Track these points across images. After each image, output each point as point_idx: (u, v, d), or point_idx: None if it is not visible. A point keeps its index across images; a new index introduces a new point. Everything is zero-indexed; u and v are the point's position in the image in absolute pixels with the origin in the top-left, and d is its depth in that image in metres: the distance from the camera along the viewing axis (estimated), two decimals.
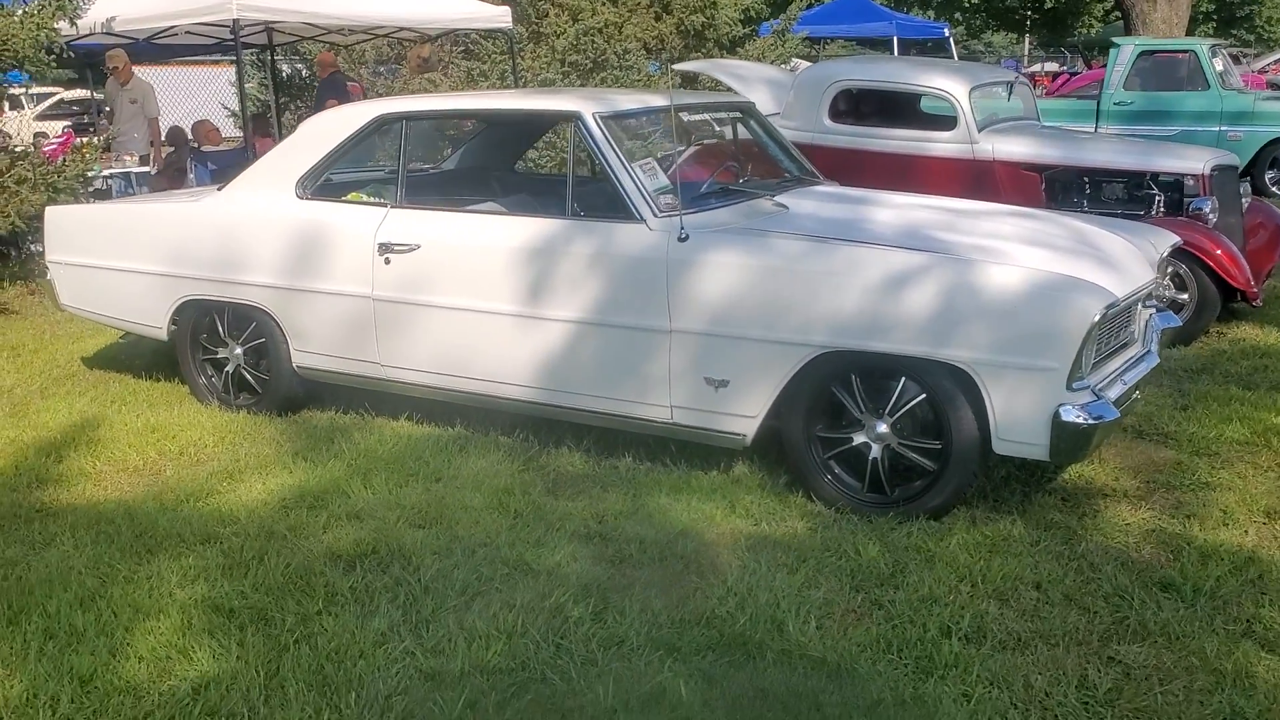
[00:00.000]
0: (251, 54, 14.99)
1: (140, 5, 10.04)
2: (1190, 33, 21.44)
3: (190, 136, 12.62)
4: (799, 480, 4.64)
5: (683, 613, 3.70)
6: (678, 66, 10.78)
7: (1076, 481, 4.84)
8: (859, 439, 4.46)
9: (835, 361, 4.41)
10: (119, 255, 6.01)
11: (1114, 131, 12.54)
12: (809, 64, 12.13)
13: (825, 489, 4.54)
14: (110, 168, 10.90)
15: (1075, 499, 4.65)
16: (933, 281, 4.23)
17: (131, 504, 4.69)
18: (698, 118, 5.64)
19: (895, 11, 25.22)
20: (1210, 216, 7.18)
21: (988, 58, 45.12)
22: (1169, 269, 6.95)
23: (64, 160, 9.36)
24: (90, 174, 9.78)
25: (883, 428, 4.41)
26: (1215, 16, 35.67)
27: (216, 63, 18.26)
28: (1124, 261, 4.68)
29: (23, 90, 9.94)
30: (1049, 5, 34.27)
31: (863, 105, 8.52)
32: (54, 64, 9.20)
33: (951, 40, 24.97)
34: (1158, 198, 7.46)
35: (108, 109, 12.01)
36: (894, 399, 4.37)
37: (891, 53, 21.84)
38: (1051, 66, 35.02)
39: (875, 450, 4.43)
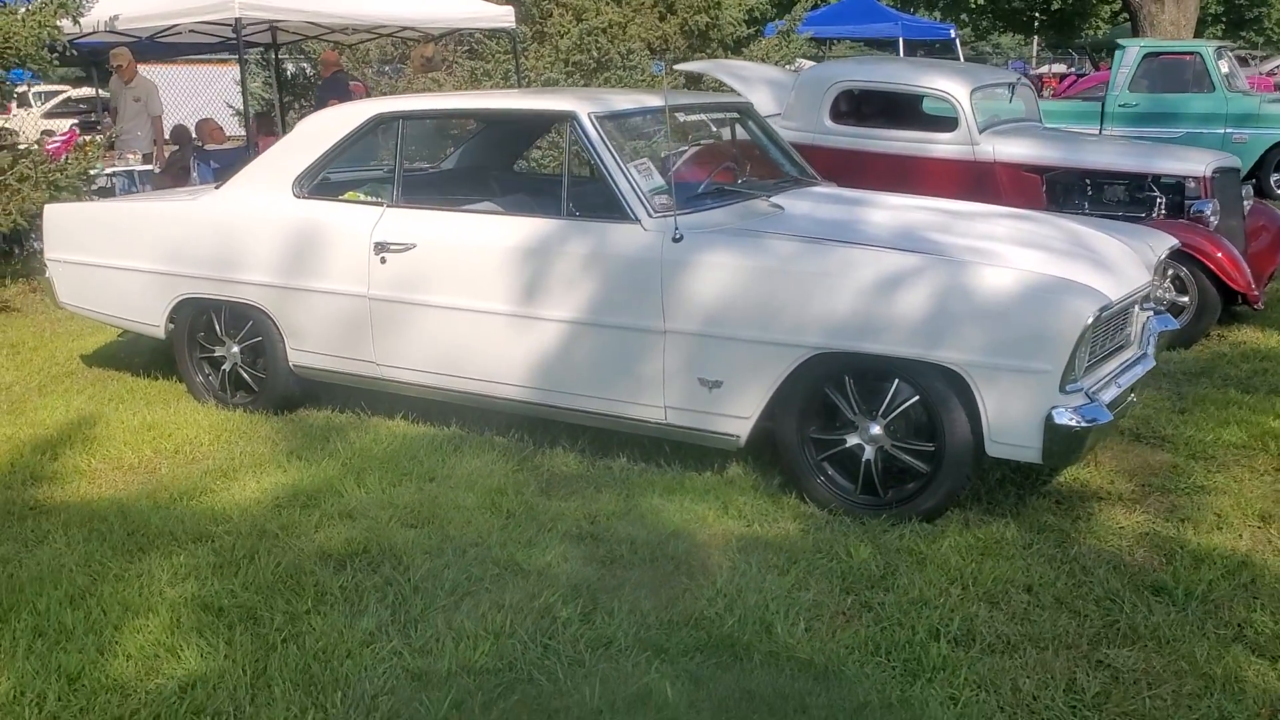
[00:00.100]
0: (256, 53, 15.02)
1: (143, 4, 10.05)
2: (1199, 34, 21.38)
3: (194, 135, 12.63)
4: (792, 482, 4.64)
5: (671, 614, 3.70)
6: (680, 67, 10.77)
7: (1071, 484, 4.82)
8: (852, 440, 4.45)
9: (829, 363, 4.40)
10: (117, 253, 6.02)
11: (1119, 133, 12.50)
12: (814, 64, 12.13)
13: (818, 490, 4.53)
14: (113, 166, 10.92)
15: (1069, 502, 4.64)
16: (926, 283, 4.22)
17: (125, 502, 4.69)
18: (694, 118, 5.62)
19: (901, 13, 25.19)
20: (1211, 219, 7.17)
21: (995, 59, 45.07)
22: (1169, 271, 6.95)
23: (67, 158, 9.38)
24: (93, 172, 9.79)
25: (876, 429, 4.40)
26: (1224, 18, 35.59)
27: (223, 61, 18.29)
28: (1119, 264, 4.66)
29: (24, 87, 9.92)
30: (1055, 7, 34.20)
31: (864, 106, 8.50)
32: (57, 62, 9.20)
33: (958, 41, 24.94)
34: (1159, 200, 7.44)
35: (112, 107, 12.02)
36: (887, 400, 4.36)
37: (897, 54, 21.81)
38: (1059, 68, 34.97)
39: (868, 452, 4.42)
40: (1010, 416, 4.12)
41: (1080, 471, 4.92)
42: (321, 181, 5.62)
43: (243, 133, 13.00)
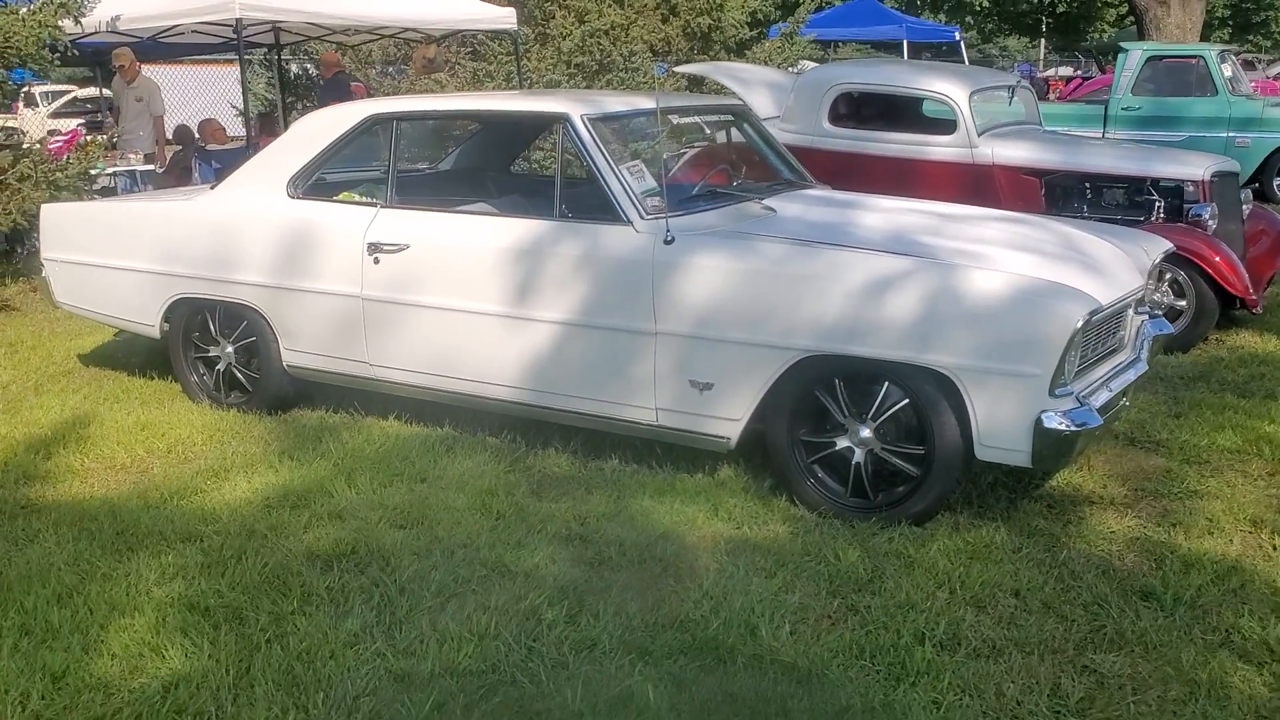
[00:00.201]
0: (260, 54, 15.04)
1: (144, 4, 10.07)
2: (1205, 38, 21.36)
3: (197, 135, 12.65)
4: (783, 484, 4.63)
5: (657, 616, 3.69)
6: (679, 69, 10.77)
7: (1063, 488, 4.81)
8: (842, 443, 4.45)
9: (818, 365, 4.40)
10: (113, 253, 6.03)
11: (1121, 137, 12.47)
12: (816, 66, 12.10)
13: (808, 493, 4.52)
14: (115, 166, 10.94)
15: (1061, 506, 4.62)
16: (915, 286, 4.21)
17: (116, 501, 4.70)
18: (688, 120, 5.62)
19: (906, 15, 25.17)
20: (1210, 223, 7.15)
21: (1002, 62, 45.02)
22: (1166, 275, 6.94)
23: (68, 158, 9.40)
24: (94, 172, 9.81)
25: (866, 432, 4.39)
26: (1231, 22, 35.53)
27: (228, 62, 18.30)
28: (1111, 267, 4.65)
29: (30, 87, 9.95)
30: (1061, 10, 34.16)
31: (863, 109, 8.49)
32: (58, 62, 9.22)
33: (963, 44, 24.91)
34: (1158, 203, 7.42)
35: (115, 107, 12.04)
36: (877, 404, 4.35)
37: (902, 56, 21.79)
38: (1066, 71, 34.94)
39: (858, 455, 4.41)
40: (1000, 420, 4.11)
41: (1073, 475, 4.91)
42: (316, 182, 5.63)
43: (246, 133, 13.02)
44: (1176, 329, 6.98)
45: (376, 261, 5.21)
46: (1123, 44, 14.16)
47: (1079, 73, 31.79)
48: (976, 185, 7.65)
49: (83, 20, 9.38)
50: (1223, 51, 13.50)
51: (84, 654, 3.49)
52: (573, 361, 4.88)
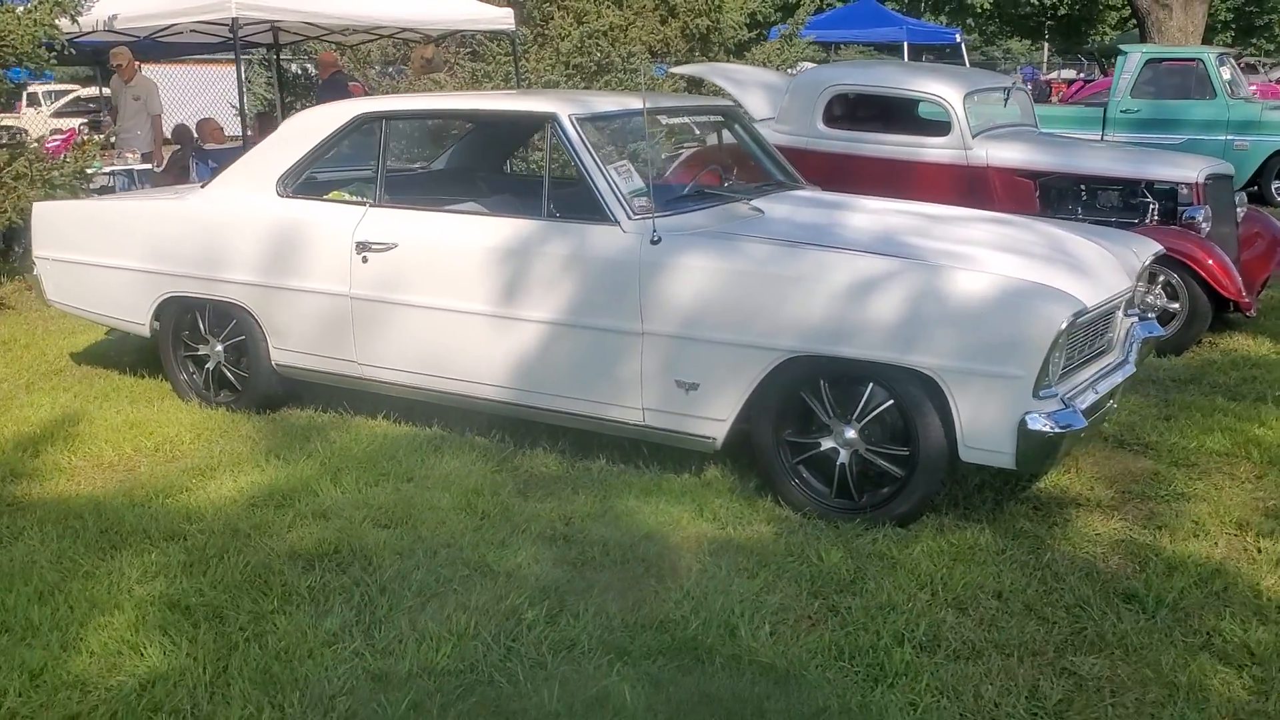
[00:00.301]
0: (259, 53, 15.05)
1: (141, 3, 10.08)
2: (1208, 41, 21.33)
3: (195, 134, 12.66)
4: (768, 485, 4.62)
5: (637, 616, 3.68)
6: (675, 70, 10.77)
7: (1050, 490, 4.80)
8: (827, 444, 4.44)
9: (803, 366, 4.39)
10: (103, 251, 6.03)
11: (1120, 139, 12.46)
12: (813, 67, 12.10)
13: (793, 494, 4.52)
14: (113, 165, 10.95)
15: (1047, 508, 4.61)
16: (900, 287, 4.21)
17: (101, 500, 4.70)
18: (677, 121, 5.61)
19: (907, 17, 25.15)
20: (1203, 225, 7.13)
21: (1005, 65, 44.98)
22: (1160, 278, 6.94)
23: (65, 157, 9.42)
24: (90, 170, 9.82)
25: (851, 433, 4.38)
26: (1234, 25, 35.48)
27: (229, 61, 18.31)
28: (1098, 269, 4.64)
29: (28, 86, 9.96)
30: (1062, 12, 34.13)
31: (858, 110, 8.48)
32: (54, 60, 9.23)
33: (964, 46, 24.89)
34: (1151, 206, 7.41)
35: (113, 106, 12.06)
36: (862, 404, 4.34)
37: (902, 58, 21.77)
38: (1068, 74, 34.91)
39: (843, 456, 4.41)
40: (983, 422, 4.10)
41: (1060, 477, 4.90)
42: (306, 181, 5.63)
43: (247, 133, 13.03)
44: (1169, 332, 6.97)
45: (365, 261, 5.21)
46: (1122, 46, 14.15)
47: (1081, 75, 31.77)
48: (971, 187, 7.64)
49: (80, 19, 9.39)
50: (1221, 54, 13.47)
51: (62, 652, 3.49)
52: (560, 361, 4.87)
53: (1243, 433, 5.42)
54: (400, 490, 4.75)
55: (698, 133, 5.99)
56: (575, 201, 4.95)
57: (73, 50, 9.90)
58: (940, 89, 7.84)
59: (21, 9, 8.73)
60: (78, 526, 4.41)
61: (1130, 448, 5.32)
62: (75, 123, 23.40)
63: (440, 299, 5.06)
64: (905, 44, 22.15)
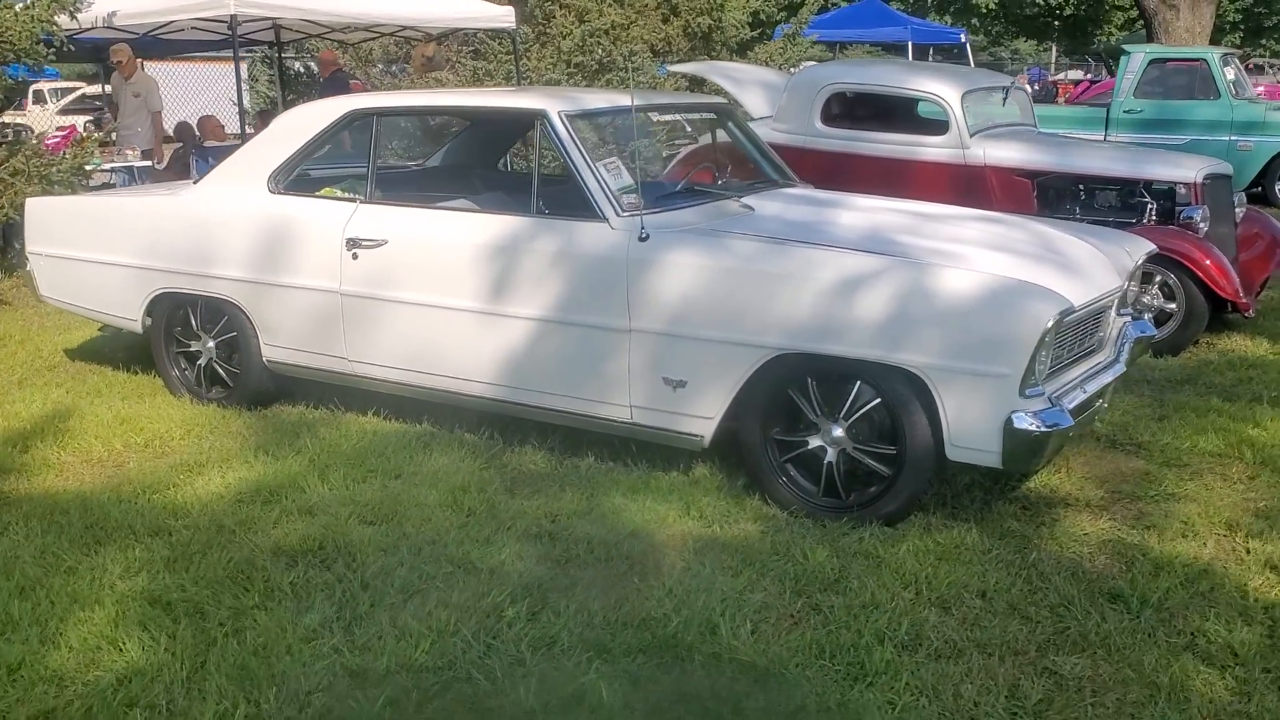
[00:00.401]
0: (260, 51, 15.07)
1: (141, 0, 10.08)
2: (1216, 42, 21.22)
3: (197, 132, 12.67)
4: (755, 483, 4.61)
5: (619, 614, 3.67)
6: (673, 68, 10.75)
7: (1040, 490, 4.78)
8: (814, 443, 4.42)
9: (791, 364, 4.37)
10: (96, 247, 6.03)
11: (1123, 139, 12.41)
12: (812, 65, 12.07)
13: (781, 492, 4.50)
14: (112, 162, 10.96)
15: (1035, 508, 4.59)
16: (887, 285, 4.19)
17: (88, 495, 4.69)
18: (669, 118, 5.60)
19: (912, 17, 25.10)
20: (1201, 225, 7.10)
21: (1014, 65, 44.87)
22: (1157, 278, 6.91)
23: (64, 154, 9.43)
24: (89, 167, 9.83)
25: (838, 432, 4.36)
26: (1242, 26, 35.37)
27: (243, 59, 18.32)
28: (1088, 268, 4.62)
29: (18, 82, 9.96)
30: (1068, 12, 34.05)
31: (856, 109, 8.45)
32: (53, 57, 9.24)
33: (969, 46, 24.84)
34: (1150, 206, 7.37)
35: (113, 103, 12.07)
36: (849, 403, 4.32)
37: (907, 58, 21.72)
38: (1076, 74, 34.83)
39: (830, 454, 4.39)
40: (970, 420, 4.08)
41: (1050, 477, 4.88)
42: (298, 177, 5.63)
43: (248, 130, 13.03)
44: (1166, 332, 6.95)
45: (355, 257, 5.20)
46: (1125, 46, 14.11)
47: (1088, 76, 31.70)
48: (969, 186, 7.61)
49: (79, 16, 9.41)
50: (1225, 55, 13.42)
51: (41, 646, 3.48)
52: (548, 358, 4.86)
53: (1236, 433, 5.39)
54: (388, 487, 4.74)
55: (689, 130, 5.95)
56: (564, 198, 4.94)
57: (72, 47, 9.91)
58: (938, 88, 7.81)
59: (20, 5, 8.74)
60: (63, 522, 4.40)
61: (1122, 448, 5.30)
62: (82, 120, 23.47)
63: (429, 295, 5.05)
64: (910, 44, 22.11)
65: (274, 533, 4.30)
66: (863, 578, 3.91)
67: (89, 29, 10.16)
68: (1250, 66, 27.56)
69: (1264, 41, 36.88)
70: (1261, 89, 20.02)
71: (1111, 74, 28.32)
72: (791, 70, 13.17)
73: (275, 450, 5.16)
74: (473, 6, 11.60)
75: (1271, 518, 4.46)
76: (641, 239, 4.57)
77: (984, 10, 33.50)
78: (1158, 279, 6.96)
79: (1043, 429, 4.02)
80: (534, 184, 5.02)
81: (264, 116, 12.97)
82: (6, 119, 12.43)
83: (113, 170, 11.01)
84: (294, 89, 14.12)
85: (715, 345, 4.46)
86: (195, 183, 6.04)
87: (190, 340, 5.90)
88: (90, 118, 21.31)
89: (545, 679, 3.29)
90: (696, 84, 11.98)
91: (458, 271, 4.97)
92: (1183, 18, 17.65)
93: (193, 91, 17.52)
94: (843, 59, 23.42)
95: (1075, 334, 4.44)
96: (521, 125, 6.49)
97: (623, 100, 5.30)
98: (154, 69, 12.90)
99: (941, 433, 4.14)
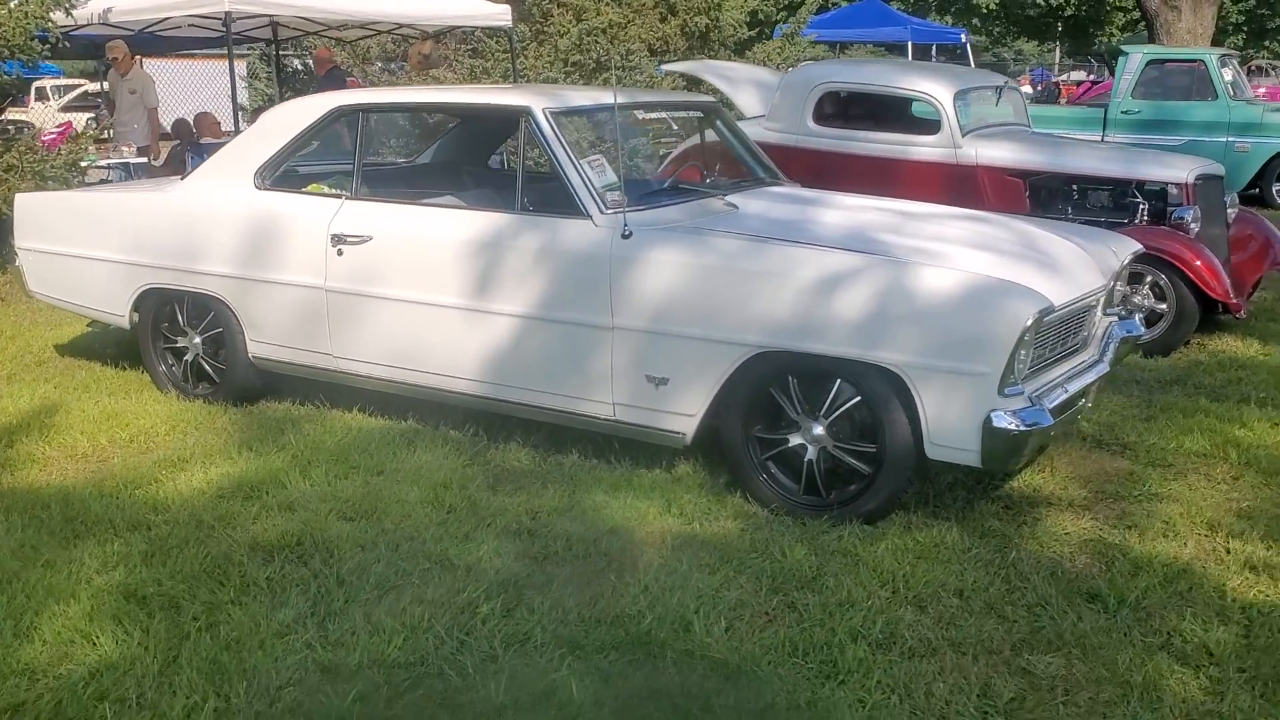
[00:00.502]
0: (259, 49, 15.07)
1: None
2: (1219, 44, 21.19)
3: (194, 129, 12.67)
4: (737, 481, 4.60)
5: (593, 611, 3.66)
6: (667, 67, 10.75)
7: (1023, 489, 4.77)
8: (795, 440, 4.41)
9: (772, 362, 4.37)
10: (84, 243, 6.03)
11: (1120, 140, 12.39)
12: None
13: (761, 490, 4.49)
14: (109, 158, 10.97)
15: (1018, 507, 4.58)
16: (866, 283, 4.18)
17: (70, 490, 4.69)
18: (655, 116, 5.59)
19: (912, 17, 25.07)
20: (1192, 226, 7.09)
21: (1017, 66, 44.81)
22: (1147, 278, 6.90)
23: (59, 150, 9.43)
24: (84, 164, 9.84)
25: (819, 430, 4.36)
26: (1245, 28, 35.31)
27: (240, 56, 18.32)
28: (1071, 267, 4.61)
29: (14, 78, 9.97)
30: (1069, 13, 34.00)
31: (849, 108, 8.44)
32: (48, 53, 9.24)
33: (969, 46, 24.80)
34: (1141, 206, 7.36)
35: (109, 100, 12.08)
36: (829, 401, 4.31)
37: (907, 58, 21.68)
38: (1079, 75, 34.79)
39: (811, 452, 4.38)
40: (949, 419, 4.08)
41: (1033, 476, 4.87)
42: (285, 173, 5.62)
43: (246, 126, 13.02)
44: (1157, 332, 6.94)
45: (340, 253, 5.19)
46: (1123, 47, 14.09)
47: (1091, 77, 31.67)
48: (960, 186, 7.60)
49: (74, 12, 9.42)
50: (1223, 56, 13.41)
51: (14, 640, 3.48)
52: (532, 355, 4.86)
53: (1222, 433, 5.38)
54: (369, 483, 4.74)
55: (675, 128, 5.95)
56: (549, 195, 4.94)
57: (67, 44, 9.90)
58: (930, 87, 7.80)
59: (15, 2, 8.75)
60: (44, 516, 4.40)
61: (1108, 447, 5.28)
62: (84, 117, 23.52)
63: (414, 292, 5.05)
64: (910, 44, 22.08)
65: (253, 528, 4.29)
66: (840, 576, 3.91)
67: (85, 25, 10.17)
68: (1254, 69, 27.52)
69: (1267, 43, 36.80)
70: (1263, 91, 20.01)
71: (1112, 74, 28.33)
72: (790, 69, 13.16)
73: (259, 446, 5.16)
74: (469, 4, 11.60)
75: (1253, 518, 4.45)
76: (625, 236, 4.56)
77: (985, 10, 33.46)
78: (1148, 279, 6.95)
79: (1022, 428, 4.01)
80: (518, 181, 5.02)
81: (259, 114, 12.97)
82: (9, 115, 12.47)
83: (109, 167, 11.01)
84: (292, 86, 14.12)
85: (697, 343, 4.45)
86: (181, 178, 6.02)
87: (177, 336, 5.90)
88: (92, 114, 21.36)
89: (516, 675, 3.29)
90: (694, 84, 11.97)
91: (442, 268, 4.97)
92: (1184, 19, 17.61)
93: (192, 88, 17.53)
94: (835, 58, 23.43)
95: (1057, 333, 4.44)
96: (508, 122, 6.48)
97: (607, 98, 5.29)
98: (152, 66, 12.90)
99: (921, 431, 4.13)
